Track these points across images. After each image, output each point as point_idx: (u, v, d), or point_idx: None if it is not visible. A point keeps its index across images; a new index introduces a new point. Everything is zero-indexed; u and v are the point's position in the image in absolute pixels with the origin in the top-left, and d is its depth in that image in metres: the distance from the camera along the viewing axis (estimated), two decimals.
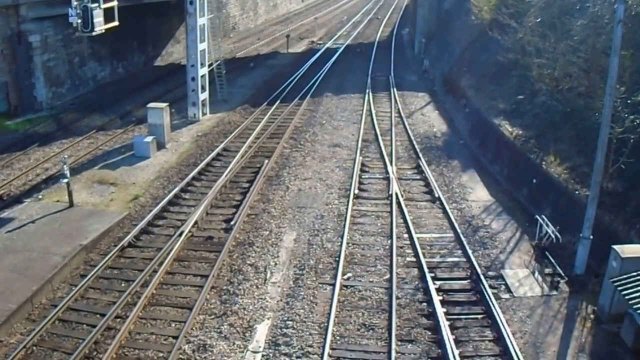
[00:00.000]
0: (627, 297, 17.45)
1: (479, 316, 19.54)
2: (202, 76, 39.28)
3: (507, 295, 20.60)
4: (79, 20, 30.37)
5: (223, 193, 28.66)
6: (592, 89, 26.75)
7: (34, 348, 17.95)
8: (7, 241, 23.49)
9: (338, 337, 18.53)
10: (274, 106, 42.68)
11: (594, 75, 27.11)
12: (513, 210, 26.75)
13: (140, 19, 51.36)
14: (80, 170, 30.75)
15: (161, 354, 17.69)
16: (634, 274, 17.93)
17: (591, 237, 20.85)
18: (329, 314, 19.38)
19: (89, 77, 47.67)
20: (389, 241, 24.05)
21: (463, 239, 24.01)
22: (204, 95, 40.06)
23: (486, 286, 20.64)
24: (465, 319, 19.41)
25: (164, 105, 34.97)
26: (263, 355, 17.79)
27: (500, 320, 18.82)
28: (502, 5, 40.34)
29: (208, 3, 39.43)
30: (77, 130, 37.60)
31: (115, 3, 32.56)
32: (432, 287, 20.67)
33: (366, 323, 19.20)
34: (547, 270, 21.77)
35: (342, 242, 23.81)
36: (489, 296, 20.06)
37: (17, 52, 39.37)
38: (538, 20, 35.00)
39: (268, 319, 19.41)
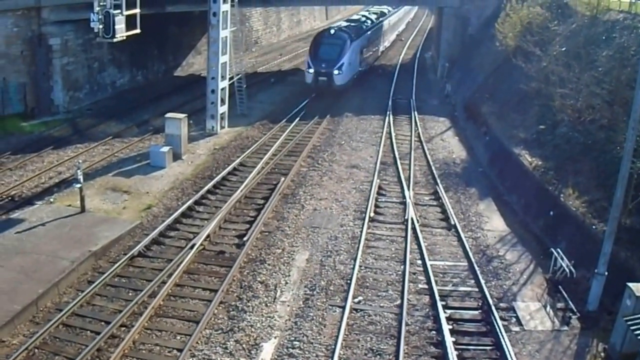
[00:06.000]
0: None
1: (488, 347, 19.20)
2: (222, 89, 39.22)
3: (517, 328, 20.24)
4: (101, 26, 30.46)
5: (237, 208, 28.46)
6: (615, 122, 26.37)
7: (36, 351, 17.94)
8: (16, 242, 23.49)
9: None
10: (293, 123, 42.53)
11: (617, 108, 26.74)
12: (528, 242, 26.36)
13: (162, 27, 51.41)
14: (93, 176, 30.74)
15: None
16: None
17: (606, 273, 20.44)
18: (337, 336, 19.10)
19: (108, 83, 47.80)
20: (402, 267, 23.74)
21: (477, 268, 23.65)
22: (223, 109, 39.99)
23: (497, 317, 20.28)
24: (474, 349, 19.09)
25: (182, 116, 34.78)
26: None
27: (509, 353, 18.48)
28: (527, 32, 40.16)
29: (231, 16, 39.46)
30: (92, 135, 37.68)
31: (137, 10, 32.60)
32: (443, 316, 20.36)
33: (374, 348, 18.90)
34: (559, 305, 21.39)
35: (354, 265, 23.52)
36: (499, 328, 19.70)
37: (36, 54, 39.67)
38: (563, 49, 34.77)
39: (275, 337, 19.16)
